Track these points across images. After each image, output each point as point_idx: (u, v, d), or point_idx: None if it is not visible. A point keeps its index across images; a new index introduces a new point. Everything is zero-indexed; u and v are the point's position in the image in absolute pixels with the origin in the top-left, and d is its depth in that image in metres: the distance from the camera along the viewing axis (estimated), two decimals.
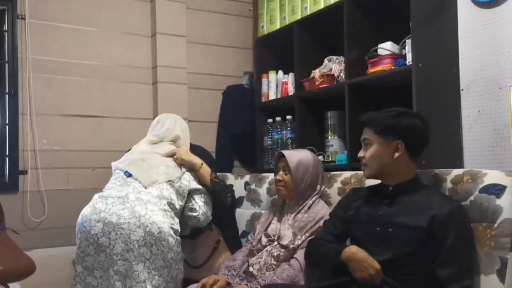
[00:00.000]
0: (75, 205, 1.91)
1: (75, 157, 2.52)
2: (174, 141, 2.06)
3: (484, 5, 1.89)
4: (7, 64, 2.42)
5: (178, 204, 1.86)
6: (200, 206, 1.90)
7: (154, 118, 2.68)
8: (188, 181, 1.91)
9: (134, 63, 2.73)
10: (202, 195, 1.93)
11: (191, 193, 1.91)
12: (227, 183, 2.19)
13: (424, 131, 1.46)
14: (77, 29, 2.58)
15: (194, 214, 1.88)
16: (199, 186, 1.93)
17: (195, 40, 2.89)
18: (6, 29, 2.43)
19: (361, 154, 1.51)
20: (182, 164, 1.95)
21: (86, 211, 1.76)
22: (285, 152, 1.82)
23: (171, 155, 1.96)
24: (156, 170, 1.88)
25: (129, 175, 1.87)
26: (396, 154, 1.42)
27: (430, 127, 1.47)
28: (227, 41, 3.00)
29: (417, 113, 1.60)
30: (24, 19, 2.43)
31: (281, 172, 1.79)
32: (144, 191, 1.80)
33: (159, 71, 2.72)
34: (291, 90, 2.59)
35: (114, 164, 2.00)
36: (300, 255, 1.63)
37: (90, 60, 2.60)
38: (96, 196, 1.82)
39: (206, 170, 1.96)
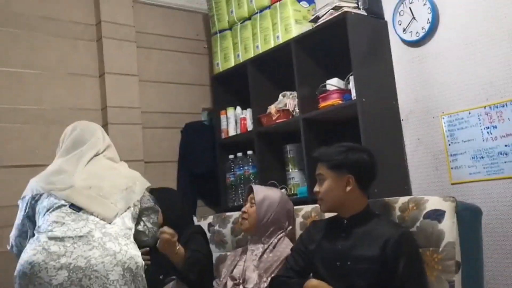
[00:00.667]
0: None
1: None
2: (104, 150, 1.96)
3: (412, 44, 2.30)
4: None
5: (133, 229, 1.79)
6: (149, 229, 1.91)
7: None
8: (139, 201, 1.87)
9: (80, 105, 2.78)
10: (152, 215, 1.93)
11: (140, 213, 1.88)
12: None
13: (372, 165, 1.70)
14: (11, 72, 2.61)
15: (144, 238, 1.89)
16: (150, 204, 1.92)
17: (148, 78, 3.07)
18: None
19: (316, 189, 1.71)
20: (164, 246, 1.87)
21: (36, 257, 1.56)
22: (254, 186, 2.06)
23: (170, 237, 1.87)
24: (111, 200, 1.77)
25: (79, 209, 1.71)
26: (348, 188, 1.64)
27: (377, 161, 1.73)
28: (183, 78, 3.23)
29: (365, 148, 1.85)
30: None
31: (247, 204, 2.00)
32: (108, 224, 1.70)
33: (110, 112, 2.81)
34: (250, 126, 2.87)
35: (41, 188, 1.78)
36: None
37: (29, 104, 2.62)
38: (43, 237, 1.62)
39: (181, 253, 1.93)
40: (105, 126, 2.86)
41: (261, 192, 2.01)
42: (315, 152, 1.77)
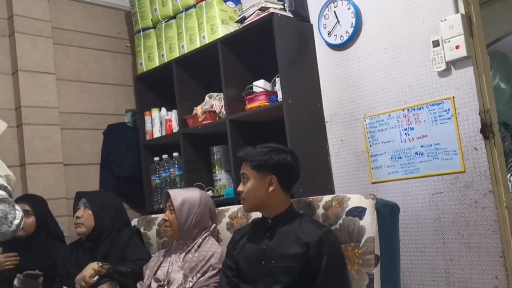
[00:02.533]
0: None
1: None
2: None
3: (336, 47, 2.38)
4: None
5: None
6: None
7: (20, 165, 2.68)
8: None
9: None
10: None
11: None
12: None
13: (295, 166, 1.73)
14: None
15: None
16: None
17: (67, 77, 2.95)
18: None
19: (240, 188, 1.73)
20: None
21: None
22: (171, 191, 2.00)
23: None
24: None
25: None
26: (270, 188, 1.67)
27: (300, 162, 1.77)
28: (105, 78, 3.13)
29: (289, 149, 1.83)
30: None
31: (167, 212, 1.95)
32: None
33: (24, 112, 2.69)
34: (175, 127, 2.82)
35: None
36: None
37: None
38: None
39: None
40: (19, 126, 2.72)
41: (179, 196, 1.97)
42: (240, 151, 1.79)
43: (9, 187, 1.72)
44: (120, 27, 3.30)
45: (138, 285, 2.02)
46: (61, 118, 2.86)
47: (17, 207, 1.70)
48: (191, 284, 1.83)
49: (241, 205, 2.01)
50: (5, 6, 2.78)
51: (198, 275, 1.83)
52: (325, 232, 1.62)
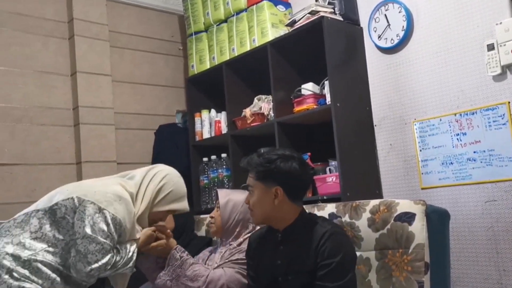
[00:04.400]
0: None
1: None
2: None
3: (386, 51, 2.37)
4: None
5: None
6: None
7: (76, 163, 2.79)
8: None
9: (50, 104, 2.78)
10: None
11: None
12: None
13: (302, 174, 1.57)
14: None
15: None
16: None
17: (122, 79, 3.08)
18: None
19: (246, 200, 1.62)
20: None
21: None
22: (220, 190, 2.07)
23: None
24: None
25: None
26: (276, 201, 1.53)
27: (309, 169, 1.63)
28: (157, 80, 3.25)
29: (297, 155, 1.63)
30: None
31: (215, 209, 2.02)
32: None
33: (81, 112, 2.80)
34: (224, 129, 2.89)
35: None
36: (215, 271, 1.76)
37: None
38: None
39: None
40: (76, 126, 2.85)
41: (225, 195, 2.03)
42: (243, 160, 1.64)
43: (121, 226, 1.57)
44: (173, 30, 3.42)
45: None
46: (116, 118, 2.98)
47: (117, 256, 1.56)
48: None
49: None
50: (66, 10, 2.94)
51: (230, 259, 1.84)
52: (332, 233, 1.51)
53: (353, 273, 1.53)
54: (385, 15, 2.37)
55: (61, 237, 1.53)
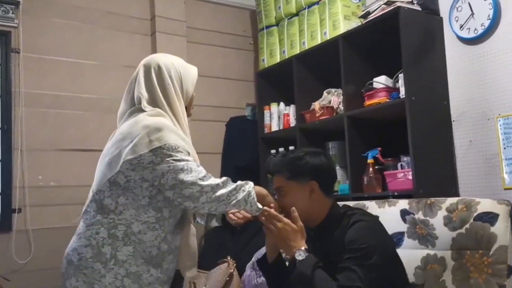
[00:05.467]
0: None
1: (72, 193, 2.52)
2: None
3: (469, 42, 2.15)
4: (0, 99, 2.52)
5: None
6: None
7: None
8: None
9: None
10: None
11: None
12: None
13: (332, 167, 1.55)
14: (73, 63, 2.72)
15: None
16: None
17: (197, 73, 3.18)
18: (0, 62, 2.55)
19: (279, 205, 1.49)
20: None
21: None
22: None
23: None
24: None
25: None
26: (313, 196, 1.46)
27: (334, 162, 1.60)
28: (229, 73, 3.26)
29: (320, 150, 1.62)
30: (19, 52, 2.56)
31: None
32: None
33: None
34: (292, 122, 2.82)
35: None
36: None
37: (87, 93, 2.73)
38: None
39: None
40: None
41: None
42: (268, 165, 1.59)
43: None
44: (245, 25, 3.40)
45: (247, 267, 2.12)
46: (192, 110, 3.01)
47: (200, 168, 1.44)
48: None
49: (357, 202, 1.95)
50: (149, 8, 3.03)
51: None
52: (352, 223, 1.41)
53: (380, 258, 1.34)
54: (469, 3, 2.15)
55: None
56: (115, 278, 1.36)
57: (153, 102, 1.50)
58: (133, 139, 1.39)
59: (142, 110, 1.48)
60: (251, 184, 1.46)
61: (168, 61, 1.56)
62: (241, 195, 1.42)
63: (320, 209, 1.50)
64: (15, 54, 2.56)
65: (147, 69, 1.53)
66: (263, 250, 1.97)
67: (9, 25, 2.57)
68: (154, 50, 2.95)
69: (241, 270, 2.15)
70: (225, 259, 2.14)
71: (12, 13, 2.58)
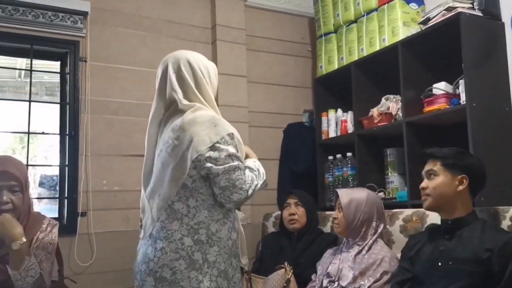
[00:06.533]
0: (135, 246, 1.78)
1: (135, 197, 2.59)
2: None
3: None
4: (68, 106, 2.69)
5: None
6: None
7: None
8: None
9: None
10: None
11: None
12: None
13: (484, 172, 1.72)
14: (138, 71, 2.87)
15: None
16: None
17: (256, 80, 3.25)
18: (68, 71, 2.72)
19: (424, 184, 1.72)
20: None
21: None
22: (339, 190, 2.11)
23: None
24: None
25: None
26: (460, 187, 1.66)
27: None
28: (287, 80, 3.37)
29: (475, 155, 1.84)
30: (86, 61, 2.72)
31: (336, 210, 2.07)
32: None
33: (221, 110, 3.05)
34: (350, 128, 2.89)
35: None
36: None
37: (151, 100, 2.79)
38: None
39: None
40: None
41: (346, 195, 2.06)
42: (429, 149, 1.79)
43: (235, 151, 1.53)
44: (303, 32, 3.52)
45: (312, 276, 2.17)
46: (249, 116, 3.17)
47: (247, 171, 1.57)
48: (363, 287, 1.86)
49: (416, 209, 2.05)
50: (210, 17, 3.21)
51: (371, 279, 1.87)
52: (511, 238, 1.54)
53: None
54: None
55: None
56: (211, 280, 1.47)
57: (189, 97, 1.59)
58: (191, 140, 1.49)
59: (181, 109, 1.57)
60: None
61: (194, 56, 1.67)
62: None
63: (460, 204, 1.67)
64: (83, 62, 2.73)
65: (177, 65, 1.62)
66: (325, 259, 2.10)
67: (77, 35, 2.73)
68: (215, 58, 3.10)
69: (298, 276, 2.21)
70: (282, 265, 2.20)
71: (81, 23, 2.73)
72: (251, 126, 3.19)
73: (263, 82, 3.33)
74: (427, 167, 1.74)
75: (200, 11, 3.19)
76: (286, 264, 2.19)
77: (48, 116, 3.02)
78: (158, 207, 1.54)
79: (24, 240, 1.64)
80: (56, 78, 3.01)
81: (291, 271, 2.17)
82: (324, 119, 3.12)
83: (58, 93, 2.85)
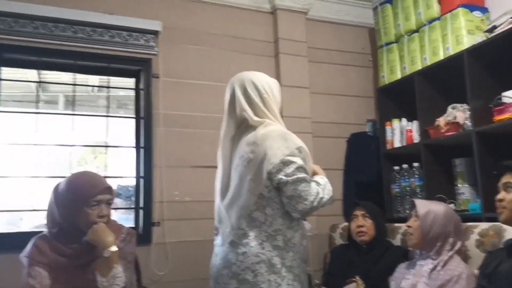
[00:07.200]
0: (208, 256, 1.88)
1: (205, 208, 2.71)
2: None
3: None
4: (141, 120, 2.88)
5: None
6: None
7: None
8: None
9: None
10: None
11: None
12: None
13: None
14: (206, 85, 3.02)
15: None
16: None
17: (318, 90, 3.35)
18: (142, 87, 2.92)
19: (500, 196, 1.71)
20: None
21: None
22: (416, 200, 2.12)
23: None
24: None
25: None
26: None
27: None
28: (349, 90, 3.46)
29: None
30: (158, 77, 2.91)
31: (412, 219, 2.06)
32: None
33: (285, 121, 3.08)
34: (416, 138, 2.91)
35: None
36: None
37: (219, 113, 2.92)
38: None
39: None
40: None
41: (424, 206, 2.06)
42: (508, 161, 1.81)
43: (304, 164, 1.70)
44: (363, 43, 3.60)
45: None
46: (312, 127, 3.26)
47: (313, 184, 1.71)
48: None
49: (492, 223, 2.03)
50: (272, 32, 3.35)
51: None
52: None
53: None
54: None
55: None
56: (288, 284, 1.64)
57: (257, 114, 1.80)
58: (266, 153, 1.68)
59: (252, 126, 1.78)
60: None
61: (257, 76, 1.87)
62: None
63: None
64: (155, 79, 2.92)
65: (243, 87, 1.83)
66: (398, 274, 2.11)
67: (150, 53, 2.93)
68: (277, 70, 3.24)
69: None
70: (354, 279, 2.22)
71: (153, 42, 2.93)
72: (315, 136, 3.28)
73: (325, 92, 3.42)
74: (505, 179, 1.73)
75: (263, 26, 3.33)
76: (357, 278, 2.20)
77: (118, 129, 3.24)
78: (237, 215, 1.71)
79: (115, 249, 1.73)
80: (127, 92, 3.21)
81: (363, 286, 2.19)
82: (388, 128, 3.15)
83: (129, 106, 3.06)
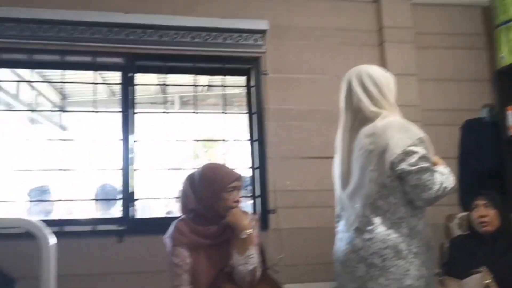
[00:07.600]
0: (321, 242, 2.06)
1: (316, 197, 2.93)
2: None
3: None
4: (253, 115, 3.09)
5: None
6: None
7: None
8: None
9: None
10: None
11: None
12: None
13: None
14: (312, 79, 3.13)
15: None
16: None
17: (427, 77, 3.29)
18: (253, 84, 3.12)
19: None
20: None
21: None
22: None
23: None
24: None
25: None
26: None
27: None
28: (460, 75, 3.34)
29: None
30: (267, 74, 3.10)
31: None
32: None
33: None
34: None
35: None
36: None
37: (324, 105, 3.08)
38: None
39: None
40: None
41: None
42: None
43: (426, 153, 1.76)
44: (475, 23, 3.45)
45: None
46: (423, 115, 3.20)
47: (437, 174, 1.76)
48: None
49: None
50: (376, 20, 3.34)
51: None
52: None
53: None
54: None
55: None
56: (416, 269, 1.73)
57: (375, 104, 1.87)
58: (387, 144, 1.75)
59: (369, 117, 1.85)
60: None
61: (373, 68, 1.95)
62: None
63: None
64: (265, 75, 3.12)
65: (359, 78, 1.92)
66: None
67: (259, 51, 3.11)
68: (382, 60, 3.22)
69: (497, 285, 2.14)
70: (479, 270, 2.18)
71: (261, 40, 3.11)
72: (425, 124, 3.20)
73: (434, 78, 3.34)
74: None
75: (366, 15, 3.34)
76: (485, 269, 2.17)
77: (226, 125, 3.48)
78: (362, 204, 1.82)
79: (251, 231, 1.90)
80: (231, 90, 3.45)
81: (491, 277, 2.15)
82: (509, 113, 3.02)
83: (235, 103, 3.25)
